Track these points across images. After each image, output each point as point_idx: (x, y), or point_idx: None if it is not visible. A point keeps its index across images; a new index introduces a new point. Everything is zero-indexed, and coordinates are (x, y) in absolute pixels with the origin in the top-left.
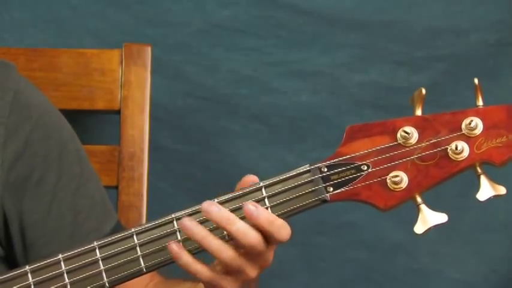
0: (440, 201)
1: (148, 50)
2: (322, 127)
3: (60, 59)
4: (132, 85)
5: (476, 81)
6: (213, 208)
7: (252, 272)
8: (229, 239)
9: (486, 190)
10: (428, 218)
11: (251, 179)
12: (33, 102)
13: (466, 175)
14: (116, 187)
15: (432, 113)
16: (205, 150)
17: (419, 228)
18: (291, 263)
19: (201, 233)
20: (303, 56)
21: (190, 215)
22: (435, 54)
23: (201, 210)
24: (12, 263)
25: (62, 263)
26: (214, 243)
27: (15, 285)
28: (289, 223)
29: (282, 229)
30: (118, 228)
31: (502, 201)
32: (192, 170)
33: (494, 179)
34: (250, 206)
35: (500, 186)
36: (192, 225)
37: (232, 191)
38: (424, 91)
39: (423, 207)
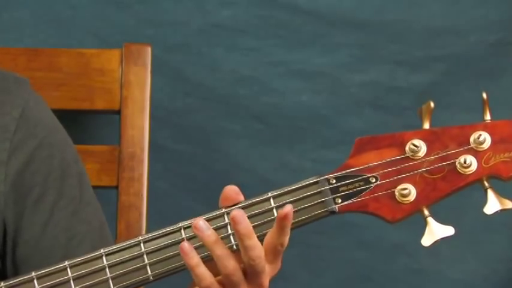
0: (441, 201)
1: (148, 50)
2: (322, 127)
3: (60, 59)
4: (132, 85)
5: (484, 95)
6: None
7: None
8: (236, 250)
9: (493, 204)
10: (436, 231)
11: (233, 190)
12: (40, 120)
13: None
14: (116, 187)
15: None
16: (205, 150)
17: (426, 241)
18: (291, 263)
19: (212, 236)
20: (303, 56)
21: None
22: (435, 54)
23: (209, 219)
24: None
25: (69, 269)
26: (221, 250)
27: None
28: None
29: None
30: None
31: None
32: (192, 170)
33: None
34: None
35: (507, 200)
36: (205, 228)
37: None
38: (432, 104)
39: (430, 220)
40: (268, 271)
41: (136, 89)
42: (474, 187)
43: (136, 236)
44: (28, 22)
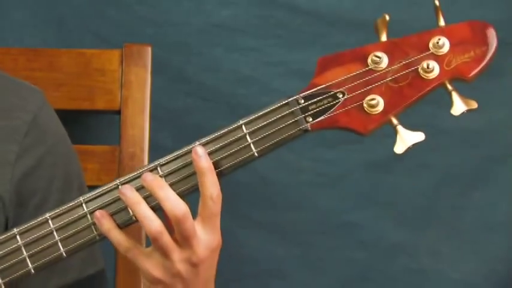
0: (441, 201)
1: (148, 50)
2: None
3: (60, 59)
4: (132, 85)
5: (436, 2)
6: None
7: (178, 262)
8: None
9: (459, 105)
10: (406, 138)
11: None
12: (50, 129)
13: (466, 173)
14: None
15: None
16: None
17: (399, 148)
18: (291, 263)
19: (134, 198)
20: (303, 56)
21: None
22: None
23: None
24: None
25: (50, 221)
26: (143, 211)
27: (4, 249)
28: (288, 217)
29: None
30: (101, 276)
31: (502, 202)
32: None
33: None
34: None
35: (472, 101)
36: (127, 190)
37: (231, 191)
38: (387, 17)
39: (400, 128)
40: (204, 240)
41: (136, 89)
42: (474, 186)
43: (114, 180)
44: (28, 22)
